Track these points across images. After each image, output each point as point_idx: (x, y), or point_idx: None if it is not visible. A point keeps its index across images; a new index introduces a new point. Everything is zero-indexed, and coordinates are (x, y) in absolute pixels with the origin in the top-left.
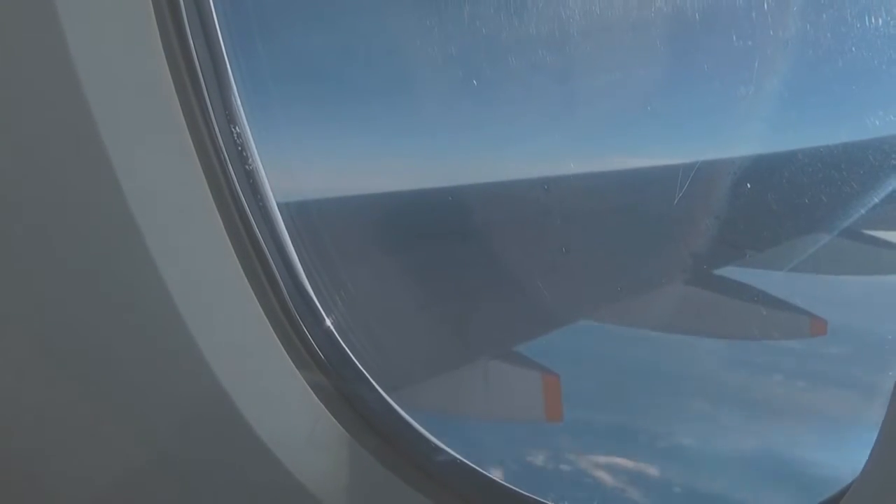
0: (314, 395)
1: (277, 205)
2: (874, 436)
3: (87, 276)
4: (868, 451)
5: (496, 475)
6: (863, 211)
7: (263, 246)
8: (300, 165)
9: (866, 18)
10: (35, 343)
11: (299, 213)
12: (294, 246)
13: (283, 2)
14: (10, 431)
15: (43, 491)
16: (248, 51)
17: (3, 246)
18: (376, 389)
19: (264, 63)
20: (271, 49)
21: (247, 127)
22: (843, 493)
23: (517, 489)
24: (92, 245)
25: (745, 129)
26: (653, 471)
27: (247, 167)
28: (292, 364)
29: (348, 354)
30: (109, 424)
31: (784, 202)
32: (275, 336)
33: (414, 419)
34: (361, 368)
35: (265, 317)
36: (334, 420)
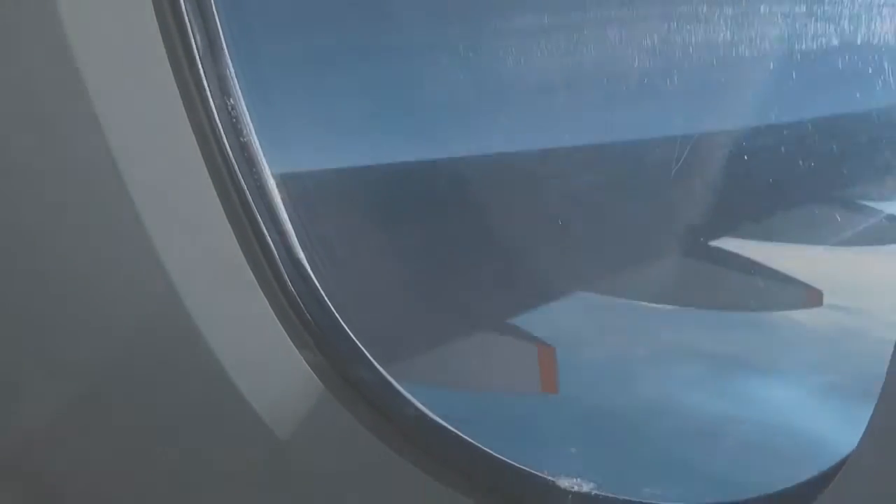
0: (312, 373)
1: (273, 176)
2: (871, 406)
3: (82, 256)
4: (865, 423)
5: (493, 448)
6: (859, 181)
7: (259, 221)
8: (296, 137)
9: None
10: (35, 330)
11: (295, 185)
12: (290, 220)
13: None
14: (11, 425)
15: (42, 467)
16: (248, 38)
17: (2, 240)
18: (373, 365)
19: (264, 46)
20: (273, 39)
21: (241, 99)
22: (840, 464)
23: (515, 463)
24: (91, 230)
25: (742, 101)
26: (649, 445)
27: (241, 140)
28: (290, 342)
29: (345, 330)
30: (108, 407)
31: (781, 173)
32: (272, 312)
33: (411, 393)
34: (358, 344)
35: (262, 293)
36: (332, 396)
